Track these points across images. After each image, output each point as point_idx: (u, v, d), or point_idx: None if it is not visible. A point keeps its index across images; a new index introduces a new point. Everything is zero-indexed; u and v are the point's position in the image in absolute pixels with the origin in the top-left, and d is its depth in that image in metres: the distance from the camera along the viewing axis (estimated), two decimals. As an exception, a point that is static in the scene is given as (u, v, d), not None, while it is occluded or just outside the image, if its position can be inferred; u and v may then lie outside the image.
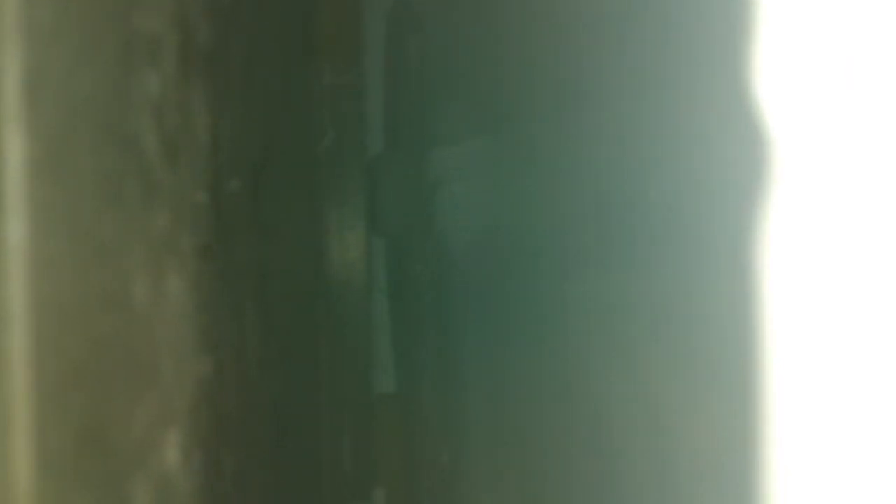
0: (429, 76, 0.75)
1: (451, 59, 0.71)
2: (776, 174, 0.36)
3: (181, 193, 0.49)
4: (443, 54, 0.73)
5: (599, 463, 0.50)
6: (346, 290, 0.80)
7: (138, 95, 0.43)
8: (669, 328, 0.43)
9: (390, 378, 0.82)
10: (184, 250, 0.49)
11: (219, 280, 0.54)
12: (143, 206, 0.43)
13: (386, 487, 0.79)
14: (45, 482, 0.33)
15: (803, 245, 0.35)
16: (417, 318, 0.78)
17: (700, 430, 0.41)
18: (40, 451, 0.33)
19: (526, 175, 0.60)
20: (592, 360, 0.51)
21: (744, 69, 0.37)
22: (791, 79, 0.36)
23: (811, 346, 0.36)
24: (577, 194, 0.51)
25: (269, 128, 0.70)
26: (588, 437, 0.53)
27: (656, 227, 0.44)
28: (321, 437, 0.78)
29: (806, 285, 0.35)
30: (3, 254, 0.31)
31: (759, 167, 0.36)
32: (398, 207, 0.80)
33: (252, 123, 0.65)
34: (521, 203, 0.60)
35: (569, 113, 0.52)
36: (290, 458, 0.70)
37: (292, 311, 0.73)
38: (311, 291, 0.78)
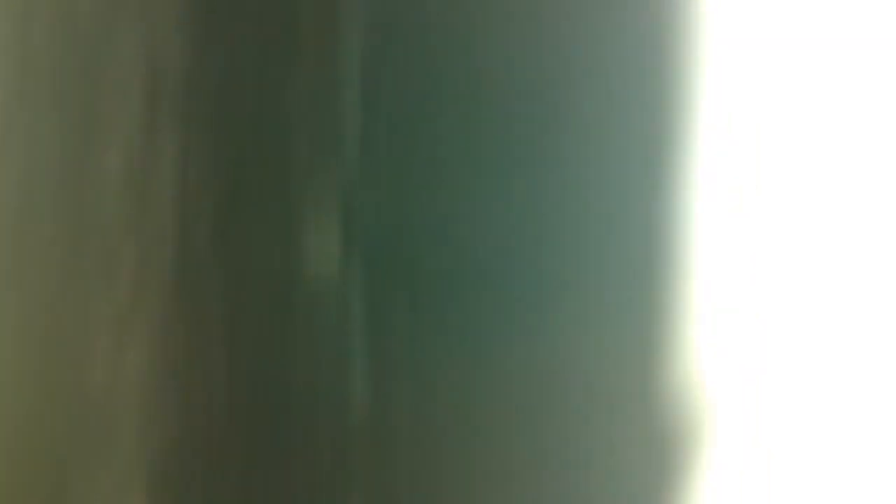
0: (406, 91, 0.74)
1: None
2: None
3: (145, 259, 0.48)
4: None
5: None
6: (320, 314, 0.80)
7: (102, 166, 0.42)
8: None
9: (366, 390, 0.81)
10: (146, 321, 0.48)
11: (184, 337, 0.53)
12: (104, 281, 0.42)
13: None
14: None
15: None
16: (394, 324, 0.78)
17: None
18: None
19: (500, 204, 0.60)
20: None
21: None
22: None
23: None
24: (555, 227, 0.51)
25: (241, 148, 0.69)
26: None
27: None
28: (295, 473, 0.77)
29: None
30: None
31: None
32: (374, 220, 0.79)
33: (223, 149, 0.64)
34: (496, 234, 0.60)
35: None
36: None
37: (265, 347, 0.73)
38: (284, 325, 0.77)
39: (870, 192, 0.37)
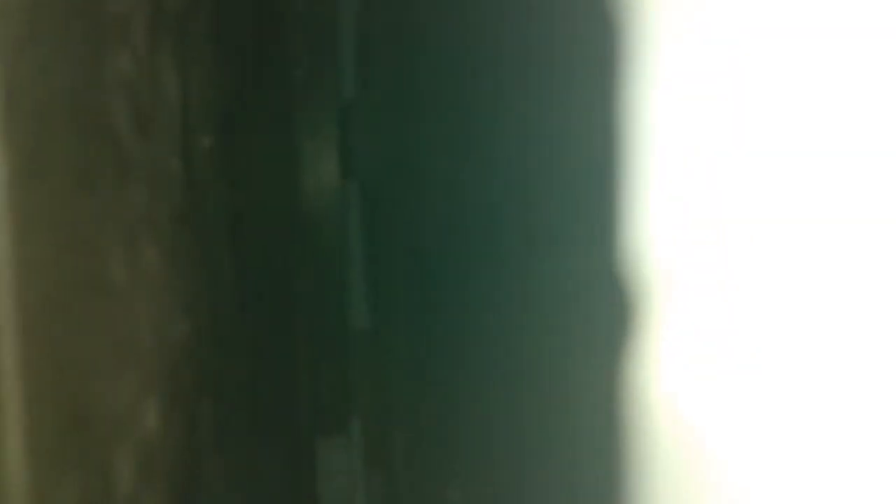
0: (405, 27, 0.76)
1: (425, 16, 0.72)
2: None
3: (154, 164, 0.50)
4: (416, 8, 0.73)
5: (558, 437, 0.53)
6: (321, 228, 0.82)
7: (110, 77, 0.45)
8: (626, 301, 0.45)
9: (364, 313, 0.84)
10: (158, 220, 0.50)
11: (193, 240, 0.56)
12: (117, 185, 0.45)
13: (361, 419, 0.82)
14: (35, 465, 0.36)
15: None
16: (391, 254, 0.80)
17: (656, 403, 0.43)
18: (30, 436, 0.36)
19: (499, 147, 0.61)
20: (555, 334, 0.53)
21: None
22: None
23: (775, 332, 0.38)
24: (546, 167, 0.53)
25: (242, 69, 0.71)
26: (547, 380, 0.55)
27: (625, 199, 0.45)
28: (299, 374, 0.81)
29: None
30: (-12, 263, 0.33)
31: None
32: (371, 152, 0.81)
33: (224, 70, 0.66)
34: (487, 170, 0.61)
35: (542, 91, 0.54)
36: (267, 398, 0.72)
37: (268, 253, 0.75)
38: (285, 231, 0.80)
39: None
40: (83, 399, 0.41)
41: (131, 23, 0.48)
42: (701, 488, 0.39)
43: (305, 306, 0.78)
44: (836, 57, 0.37)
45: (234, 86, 0.66)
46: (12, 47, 0.35)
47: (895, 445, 0.37)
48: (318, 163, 0.81)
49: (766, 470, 0.37)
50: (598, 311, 0.47)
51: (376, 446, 0.78)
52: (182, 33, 0.56)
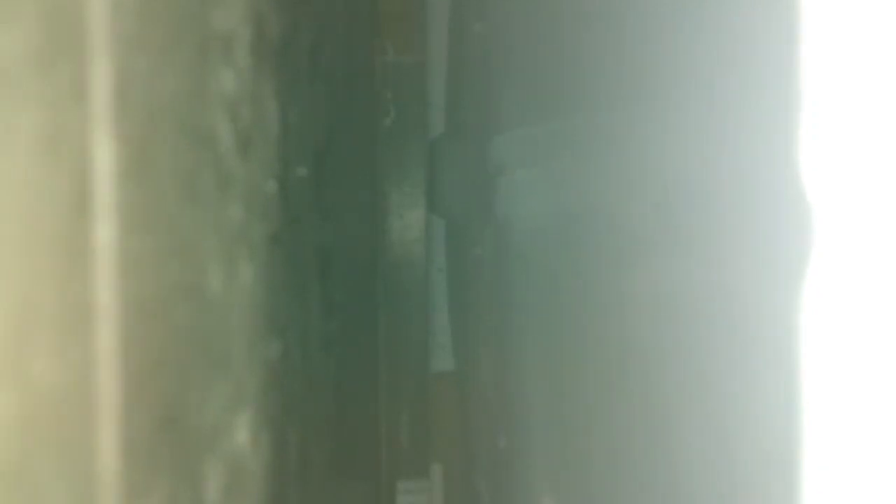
0: (491, 63, 0.76)
1: (513, 47, 0.72)
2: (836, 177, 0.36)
3: (253, 184, 0.51)
4: (505, 42, 0.74)
5: (656, 450, 0.52)
6: (405, 268, 0.82)
7: (214, 92, 0.45)
8: (727, 319, 0.44)
9: (448, 356, 0.84)
10: (255, 239, 0.51)
11: (286, 264, 0.56)
12: (217, 198, 0.45)
13: (443, 464, 0.81)
14: (129, 467, 0.35)
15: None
16: (476, 298, 0.80)
17: (758, 418, 0.42)
18: (125, 437, 0.35)
19: (588, 163, 0.61)
20: (651, 349, 0.52)
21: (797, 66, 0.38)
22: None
23: (853, 344, 0.37)
24: (640, 184, 0.52)
25: (334, 110, 0.72)
26: (645, 425, 0.54)
27: (717, 218, 0.44)
28: (380, 413, 0.80)
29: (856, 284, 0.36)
30: (92, 254, 0.33)
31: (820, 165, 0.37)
32: (458, 191, 0.82)
33: (318, 107, 0.67)
34: (582, 191, 0.60)
35: (632, 103, 0.53)
36: (350, 434, 0.72)
37: (353, 290, 0.75)
38: (371, 270, 0.80)
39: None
40: (176, 404, 0.40)
41: (235, 42, 0.49)
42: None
43: (388, 346, 0.78)
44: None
45: (326, 125, 0.67)
46: (124, 47, 0.36)
47: None
48: (404, 205, 0.82)
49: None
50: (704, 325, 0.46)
51: (457, 491, 0.77)
52: (282, 63, 0.57)
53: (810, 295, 0.37)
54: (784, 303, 0.39)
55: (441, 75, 0.88)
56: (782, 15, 0.37)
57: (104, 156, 0.35)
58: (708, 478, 0.46)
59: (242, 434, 0.49)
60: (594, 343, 0.60)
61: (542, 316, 0.67)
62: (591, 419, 0.59)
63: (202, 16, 0.45)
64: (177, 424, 0.41)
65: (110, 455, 0.36)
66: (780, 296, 0.39)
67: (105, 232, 0.35)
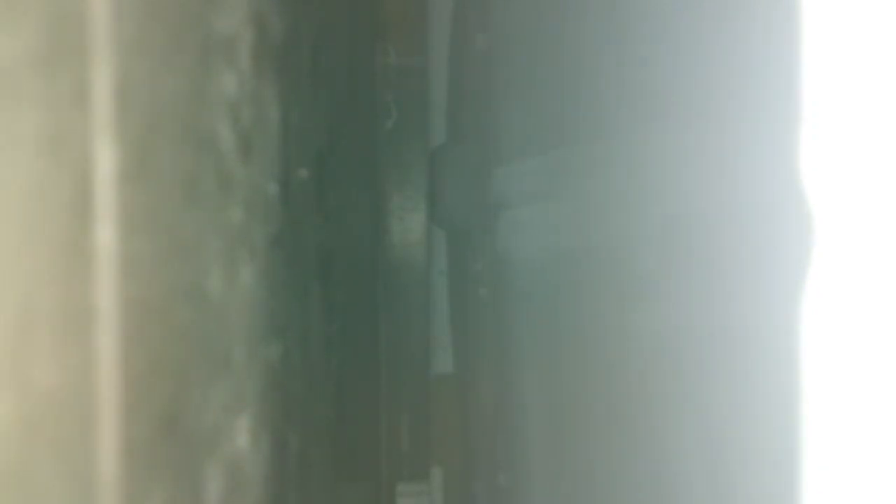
0: (492, 79, 0.76)
1: (515, 65, 0.72)
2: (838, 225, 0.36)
3: (254, 186, 0.51)
4: (507, 59, 0.74)
5: (659, 488, 0.51)
6: (406, 271, 0.82)
7: (215, 94, 0.45)
8: (728, 349, 0.44)
9: (448, 358, 0.83)
10: (255, 241, 0.51)
11: (287, 267, 0.56)
12: (218, 200, 0.45)
13: (443, 466, 0.81)
14: (129, 469, 0.35)
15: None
16: (476, 302, 0.80)
17: (757, 455, 0.42)
18: (125, 439, 0.35)
19: (589, 195, 0.61)
20: (651, 380, 0.52)
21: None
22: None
23: (853, 347, 0.37)
24: (642, 217, 0.52)
25: (336, 112, 0.72)
26: (646, 457, 0.54)
27: (718, 249, 0.44)
28: (380, 416, 0.80)
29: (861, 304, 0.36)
30: (93, 256, 0.33)
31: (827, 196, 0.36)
32: (459, 205, 0.82)
33: (319, 110, 0.67)
34: (583, 223, 0.60)
35: (634, 134, 0.53)
36: (350, 437, 0.72)
37: (354, 292, 0.75)
38: (372, 272, 0.80)
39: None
40: (176, 406, 0.40)
41: (236, 45, 0.49)
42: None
43: (389, 348, 0.78)
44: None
45: (328, 127, 0.67)
46: (126, 50, 0.36)
47: None
48: (405, 208, 0.82)
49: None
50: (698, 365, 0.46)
51: (457, 495, 0.77)
52: (283, 65, 0.57)
53: (810, 314, 0.37)
54: (785, 337, 0.38)
55: (443, 78, 0.87)
56: (781, 43, 0.37)
57: (105, 158, 0.35)
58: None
59: (242, 436, 0.49)
60: (594, 375, 0.59)
61: (542, 350, 0.67)
62: (591, 453, 0.59)
63: (204, 18, 0.45)
64: (177, 426, 0.41)
65: (110, 457, 0.36)
66: (782, 330, 0.39)
67: (106, 234, 0.35)
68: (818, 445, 0.37)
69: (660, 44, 0.49)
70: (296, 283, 0.59)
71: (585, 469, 0.60)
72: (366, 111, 0.80)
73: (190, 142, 0.43)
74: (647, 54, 0.50)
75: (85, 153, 0.33)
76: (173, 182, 0.40)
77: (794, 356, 0.38)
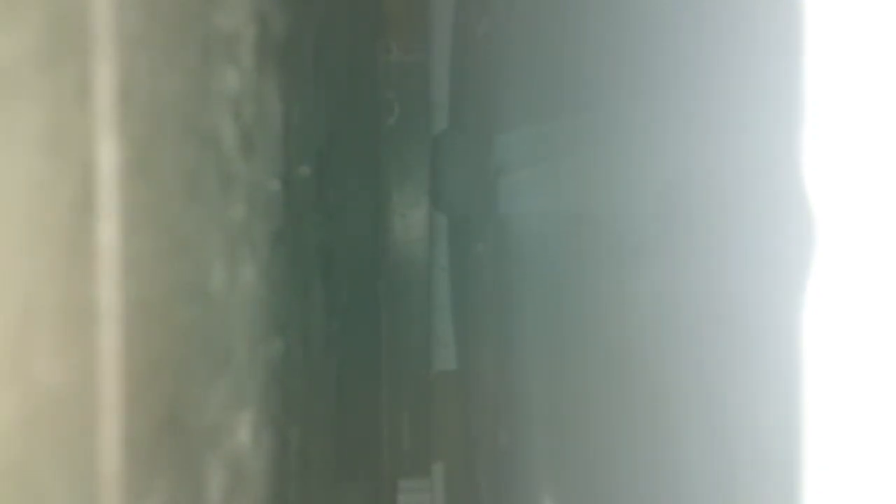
0: (494, 61, 0.76)
1: (516, 46, 0.72)
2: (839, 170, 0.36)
3: (256, 183, 0.51)
4: (508, 41, 0.74)
5: (656, 449, 0.51)
6: (407, 267, 0.82)
7: (217, 91, 0.45)
8: (728, 320, 0.44)
9: (450, 355, 0.84)
10: (257, 238, 0.51)
11: (288, 263, 0.56)
12: (220, 197, 0.45)
13: (444, 463, 0.81)
14: (130, 466, 0.35)
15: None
16: (478, 295, 0.80)
17: (758, 418, 0.42)
18: (126, 437, 0.35)
19: (589, 161, 0.61)
20: (651, 346, 0.52)
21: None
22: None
23: (853, 346, 0.37)
24: (641, 182, 0.52)
25: (337, 109, 0.72)
26: (646, 422, 0.54)
27: (718, 215, 0.44)
28: (382, 412, 0.80)
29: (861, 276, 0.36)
30: (95, 253, 0.33)
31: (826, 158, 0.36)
32: (461, 187, 0.82)
33: (321, 107, 0.67)
34: (584, 190, 0.60)
35: (633, 101, 0.53)
36: (351, 433, 0.72)
37: (355, 289, 0.75)
38: (373, 269, 0.80)
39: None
40: (178, 403, 0.41)
41: (239, 41, 0.49)
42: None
43: (390, 345, 0.78)
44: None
45: (329, 123, 0.67)
46: (128, 47, 0.36)
47: None
48: (406, 204, 0.82)
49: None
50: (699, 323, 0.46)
51: (459, 490, 0.77)
52: (285, 62, 0.57)
53: (812, 296, 0.37)
54: (785, 304, 0.39)
55: (444, 74, 0.87)
56: (784, 16, 0.37)
57: (108, 155, 0.35)
58: (707, 477, 0.46)
59: (244, 433, 0.49)
60: (595, 342, 0.59)
61: (544, 314, 0.67)
62: (592, 417, 0.59)
63: (206, 15, 0.45)
64: (178, 424, 0.41)
65: (112, 454, 0.36)
66: (782, 297, 0.39)
67: (108, 231, 0.35)
68: (820, 410, 0.37)
69: (661, 23, 0.49)
70: (297, 280, 0.59)
71: (586, 430, 0.61)
72: (367, 108, 0.80)
73: (191, 139, 0.43)
74: (647, 34, 0.51)
75: (87, 151, 0.33)
76: (175, 178, 0.40)
77: (796, 319, 0.38)
